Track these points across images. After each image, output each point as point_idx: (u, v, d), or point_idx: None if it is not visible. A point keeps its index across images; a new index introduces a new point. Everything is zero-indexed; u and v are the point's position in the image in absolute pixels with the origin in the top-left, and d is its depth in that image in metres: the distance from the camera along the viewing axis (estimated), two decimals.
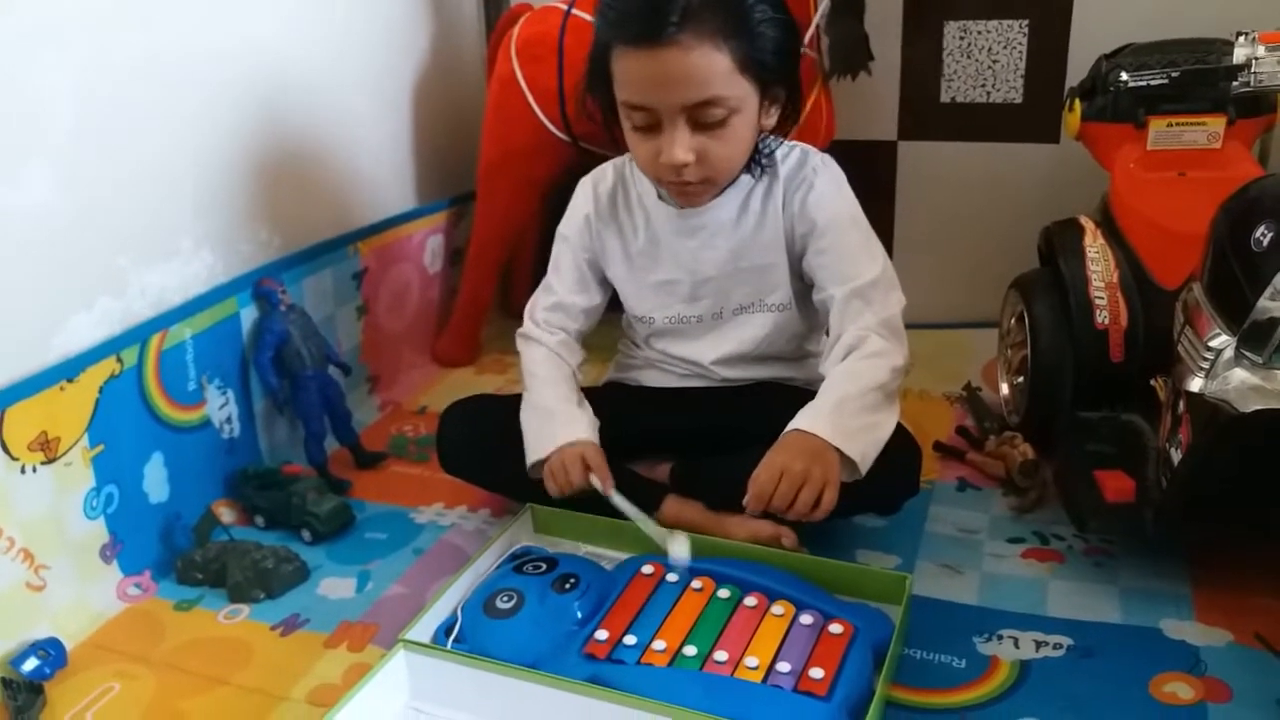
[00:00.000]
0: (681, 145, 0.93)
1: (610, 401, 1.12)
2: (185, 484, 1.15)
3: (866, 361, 0.96)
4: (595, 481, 1.00)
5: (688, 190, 1.00)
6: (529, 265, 1.79)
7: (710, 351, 1.11)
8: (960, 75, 1.55)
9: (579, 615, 0.90)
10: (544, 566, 0.96)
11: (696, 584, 0.93)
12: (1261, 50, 1.09)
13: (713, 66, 0.90)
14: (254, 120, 1.29)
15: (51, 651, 0.93)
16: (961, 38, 1.53)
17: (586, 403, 1.09)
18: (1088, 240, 1.16)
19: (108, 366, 1.05)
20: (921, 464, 1.04)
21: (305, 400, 1.28)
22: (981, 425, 1.29)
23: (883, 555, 1.05)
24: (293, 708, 0.88)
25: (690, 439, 1.10)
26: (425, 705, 0.86)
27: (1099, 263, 1.13)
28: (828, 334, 1.04)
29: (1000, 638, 0.91)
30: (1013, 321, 1.30)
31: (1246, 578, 0.96)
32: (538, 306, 1.15)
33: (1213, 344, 0.84)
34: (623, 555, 1.02)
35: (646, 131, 0.95)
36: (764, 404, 1.09)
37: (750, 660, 0.83)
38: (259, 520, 1.18)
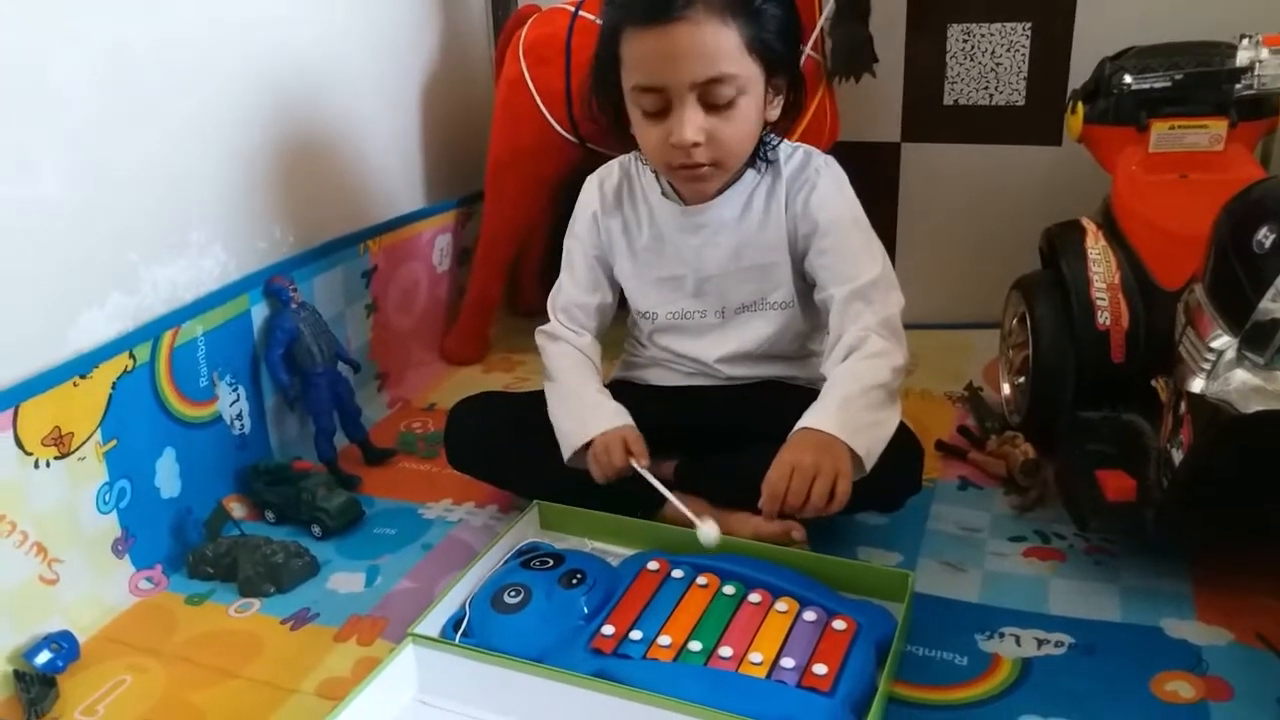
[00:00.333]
0: (692, 124, 0.94)
1: (615, 399, 1.12)
2: (197, 479, 1.16)
3: (868, 362, 0.97)
4: (636, 465, 1.01)
5: (698, 174, 1.00)
6: (536, 264, 1.81)
7: (714, 349, 1.12)
8: (963, 77, 1.56)
9: (585, 610, 0.91)
10: (551, 562, 0.97)
11: (701, 580, 0.94)
12: (1265, 53, 1.10)
13: (722, 42, 0.92)
14: (266, 119, 1.30)
15: (64, 644, 0.94)
16: (964, 40, 1.54)
17: (605, 391, 1.10)
18: (1089, 242, 1.17)
19: (120, 363, 1.06)
20: (923, 462, 1.05)
21: (315, 397, 1.29)
22: (983, 425, 1.30)
23: (885, 553, 1.06)
24: (303, 700, 0.89)
25: (695, 437, 1.10)
26: (433, 698, 0.87)
27: (1101, 264, 1.14)
28: (828, 333, 1.05)
29: (1002, 635, 0.92)
30: (1014, 322, 1.31)
31: (1247, 577, 0.96)
32: (556, 305, 1.16)
33: (1214, 345, 0.84)
34: (629, 551, 1.03)
35: (656, 116, 0.96)
36: (768, 403, 1.10)
37: (754, 656, 0.84)
38: (269, 515, 1.19)
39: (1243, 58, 1.11)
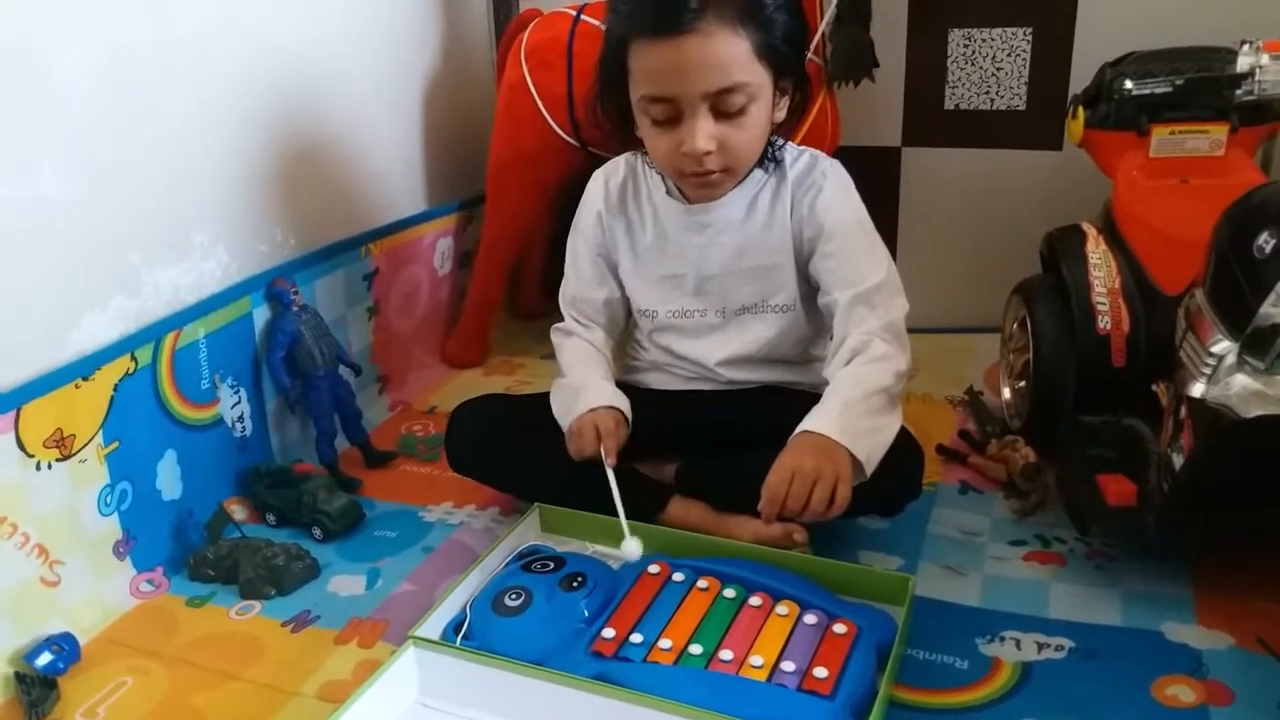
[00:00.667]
0: (703, 134, 0.94)
1: None
2: (198, 481, 1.17)
3: (870, 366, 0.97)
4: (603, 450, 1.02)
5: (709, 180, 1.00)
6: (537, 267, 1.81)
7: (715, 352, 1.12)
8: (964, 82, 1.56)
9: (586, 613, 0.91)
10: (552, 565, 0.97)
11: (702, 583, 0.94)
12: (1265, 59, 1.10)
13: (733, 52, 0.92)
14: (268, 122, 1.30)
15: (65, 646, 0.94)
16: (965, 45, 1.54)
17: (610, 378, 1.11)
18: (1090, 246, 1.17)
19: (122, 365, 1.06)
20: (923, 466, 1.05)
21: (316, 400, 1.29)
22: (983, 429, 1.30)
23: (886, 556, 1.06)
24: (303, 703, 0.89)
25: (696, 440, 1.11)
26: (434, 701, 0.87)
27: (1101, 269, 1.14)
28: (831, 338, 1.05)
29: (1002, 639, 0.92)
30: (1015, 326, 1.31)
31: (1248, 581, 0.96)
32: (565, 298, 1.17)
33: (1215, 350, 0.84)
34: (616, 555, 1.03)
35: (666, 125, 0.96)
36: (769, 406, 1.10)
37: (755, 659, 0.84)
38: (270, 518, 1.19)
39: (1243, 63, 1.11)
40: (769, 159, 1.05)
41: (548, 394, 1.14)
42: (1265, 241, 0.81)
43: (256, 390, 1.28)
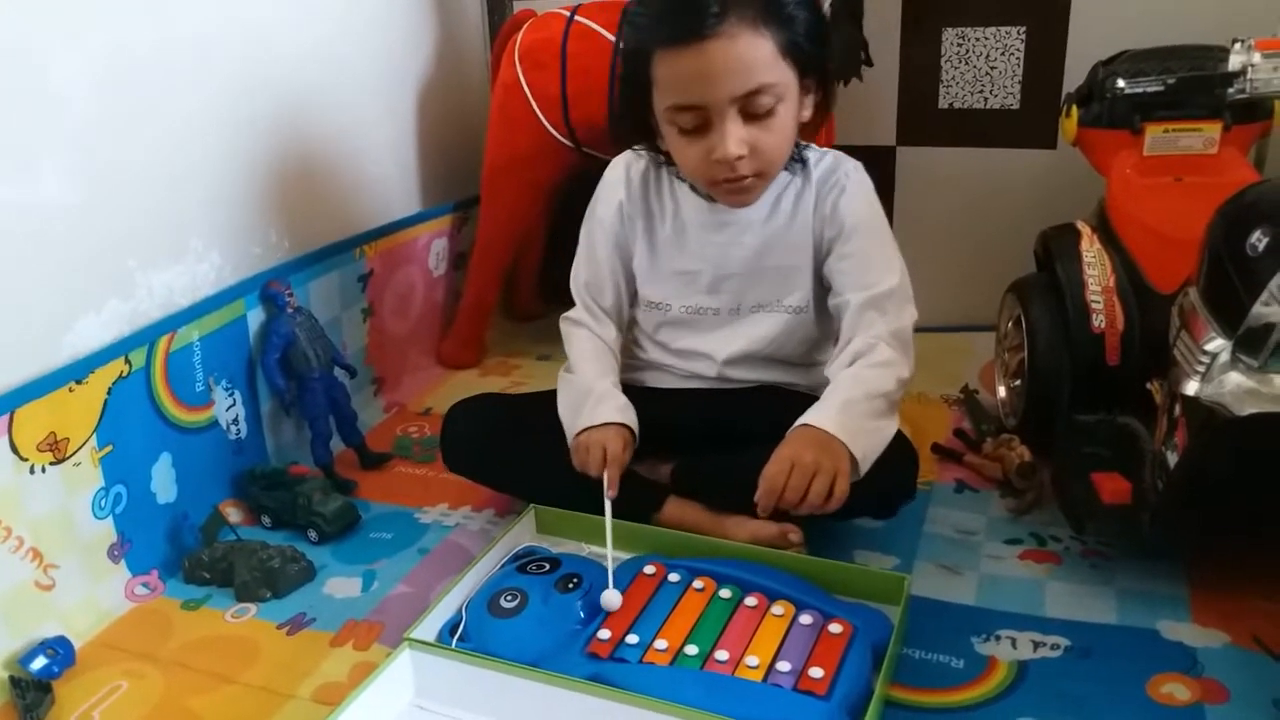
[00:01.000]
0: (734, 139, 0.93)
1: None
2: (193, 484, 1.16)
3: (873, 370, 0.97)
4: (605, 478, 1.01)
5: (741, 186, 0.99)
6: (533, 268, 1.81)
7: (723, 348, 1.11)
8: (958, 81, 1.56)
9: (582, 614, 0.91)
10: (547, 566, 0.97)
11: (698, 584, 0.94)
12: (1257, 57, 1.10)
13: (758, 53, 0.91)
14: (262, 125, 1.30)
15: (60, 650, 0.94)
16: (959, 44, 1.54)
17: (619, 383, 1.10)
18: (1084, 245, 1.17)
19: (116, 368, 1.06)
20: (918, 469, 1.05)
21: (311, 401, 1.29)
22: (979, 427, 1.30)
23: (881, 556, 1.06)
24: (299, 705, 0.89)
25: (691, 440, 1.10)
26: (430, 703, 0.87)
27: (1095, 267, 1.14)
28: (836, 341, 1.04)
29: (998, 638, 0.92)
30: (1010, 325, 1.31)
31: (1243, 580, 0.97)
32: (578, 284, 1.16)
33: (1208, 348, 0.84)
34: (625, 555, 1.03)
35: (694, 134, 0.95)
36: (766, 407, 1.10)
37: (751, 659, 0.84)
38: (265, 520, 1.19)
39: (1235, 62, 1.11)
40: (794, 160, 1.04)
41: (543, 394, 1.14)
42: (1258, 239, 0.81)
43: (251, 392, 1.27)
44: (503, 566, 1.00)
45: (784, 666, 0.83)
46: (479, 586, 0.96)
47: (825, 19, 0.99)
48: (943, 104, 1.58)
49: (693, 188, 1.08)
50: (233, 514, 1.20)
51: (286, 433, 1.34)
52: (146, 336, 1.11)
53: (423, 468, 1.32)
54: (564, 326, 1.16)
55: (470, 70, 1.78)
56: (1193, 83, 1.16)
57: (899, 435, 0.99)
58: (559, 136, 1.50)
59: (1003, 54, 1.52)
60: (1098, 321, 1.11)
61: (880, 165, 1.63)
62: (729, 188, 0.99)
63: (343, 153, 1.47)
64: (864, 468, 0.93)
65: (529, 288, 1.83)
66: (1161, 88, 1.18)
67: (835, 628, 0.87)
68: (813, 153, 1.07)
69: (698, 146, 0.96)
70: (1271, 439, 0.81)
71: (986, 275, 1.41)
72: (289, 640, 0.98)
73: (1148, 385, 1.02)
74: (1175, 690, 0.84)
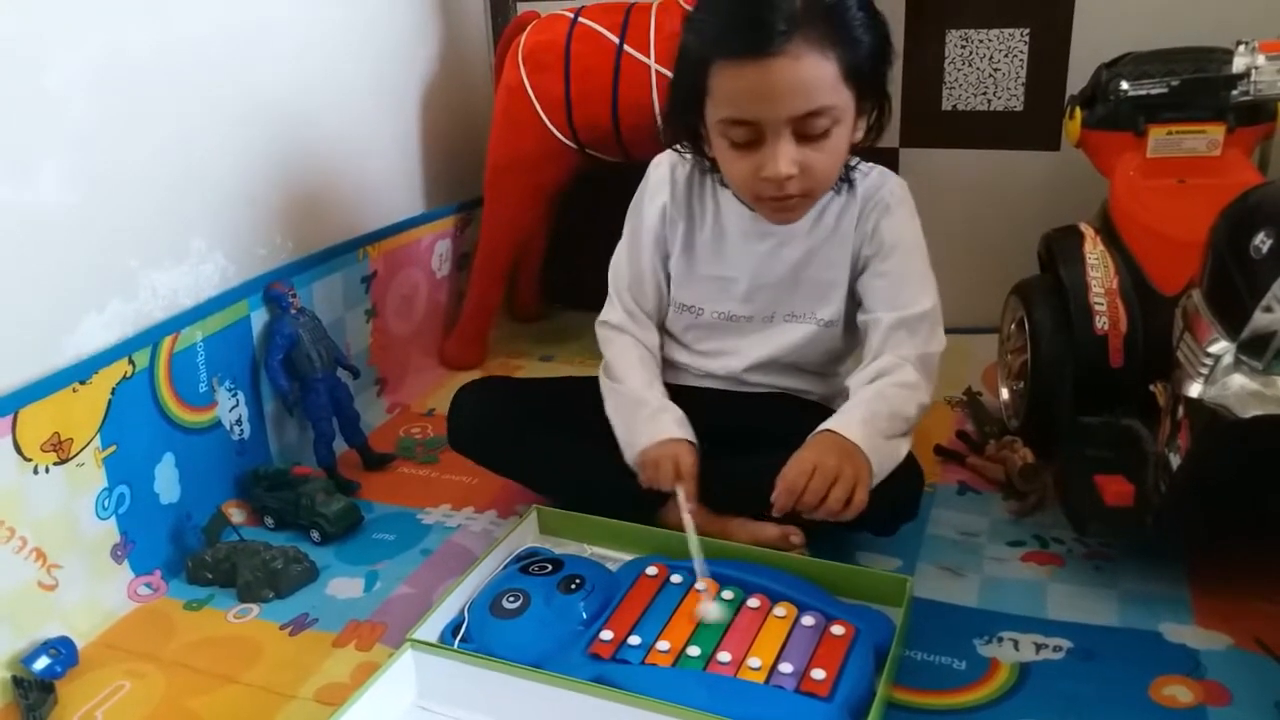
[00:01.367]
0: (785, 158, 0.92)
1: None
2: (196, 485, 1.17)
3: (899, 390, 0.97)
4: (679, 492, 0.98)
5: (787, 205, 0.97)
6: (535, 270, 1.81)
7: (748, 353, 1.10)
8: (961, 83, 1.56)
9: (584, 615, 0.91)
10: (550, 567, 0.97)
11: (700, 585, 0.94)
12: (1261, 59, 1.10)
13: (821, 75, 0.89)
14: (266, 126, 1.30)
15: (62, 650, 0.94)
16: (963, 46, 1.54)
17: (665, 392, 1.08)
18: (1088, 247, 1.17)
19: (120, 368, 1.06)
20: (923, 489, 1.05)
21: (314, 402, 1.29)
22: (981, 429, 1.30)
23: (884, 558, 1.06)
24: (301, 706, 0.89)
25: (699, 440, 1.10)
26: (432, 704, 0.87)
27: (1099, 269, 1.14)
28: (858, 355, 1.04)
29: (1000, 640, 0.92)
30: (1013, 327, 1.31)
31: (1246, 582, 0.96)
32: (620, 283, 1.13)
33: (1212, 350, 0.84)
34: (627, 556, 1.03)
35: (745, 148, 0.94)
36: (777, 412, 1.10)
37: (753, 661, 0.84)
38: (268, 521, 1.19)
39: (1239, 64, 1.11)
40: (843, 179, 1.03)
41: (552, 379, 1.13)
42: (1262, 241, 0.81)
43: (254, 393, 1.28)
44: (505, 567, 1.00)
45: (786, 668, 0.83)
46: (481, 587, 0.96)
47: (890, 42, 0.96)
48: (946, 106, 1.58)
49: (737, 195, 1.06)
50: (236, 514, 1.20)
51: (290, 433, 1.34)
52: (150, 337, 1.11)
53: (425, 469, 1.33)
54: (603, 331, 1.14)
55: (473, 72, 1.78)
56: (1196, 85, 1.16)
57: (909, 456, 0.99)
58: (562, 138, 1.50)
59: (1006, 56, 1.52)
60: (1101, 323, 1.11)
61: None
62: (774, 205, 0.98)
63: (346, 154, 1.47)
64: (873, 483, 0.92)
65: (532, 289, 1.83)
66: (1165, 90, 1.17)
67: (837, 629, 0.87)
68: (859, 168, 1.06)
69: (748, 161, 0.94)
70: (1275, 441, 0.81)
71: (989, 277, 1.40)
72: (291, 641, 0.98)
73: (1151, 387, 1.02)
74: (1178, 692, 0.84)
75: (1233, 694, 0.83)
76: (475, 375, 1.60)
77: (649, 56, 1.41)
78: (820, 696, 0.80)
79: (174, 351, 1.14)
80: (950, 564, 1.04)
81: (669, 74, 1.36)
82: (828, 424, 0.94)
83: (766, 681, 0.82)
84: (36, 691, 0.90)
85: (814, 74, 0.89)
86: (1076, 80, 1.41)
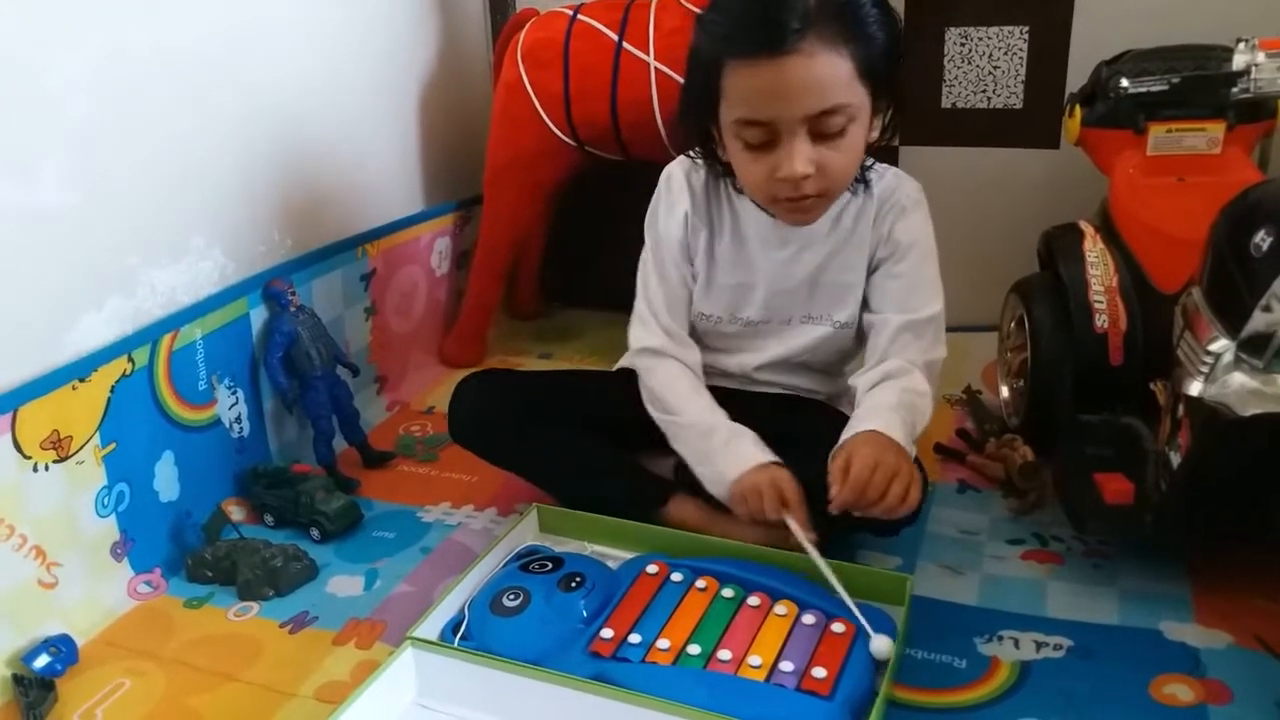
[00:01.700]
0: (801, 157, 0.91)
1: (620, 388, 1.11)
2: (195, 482, 1.16)
3: (917, 398, 0.97)
4: (792, 523, 0.93)
5: (803, 206, 0.97)
6: (535, 268, 1.81)
7: (760, 354, 1.10)
8: (961, 81, 1.56)
9: (584, 614, 0.91)
10: (550, 565, 0.97)
11: (700, 583, 0.94)
12: (1261, 56, 1.10)
13: (836, 73, 0.88)
14: (265, 124, 1.30)
15: (62, 648, 0.94)
16: (962, 44, 1.54)
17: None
18: (1087, 245, 1.17)
19: (119, 366, 1.06)
20: (926, 492, 1.04)
21: (314, 400, 1.29)
22: (981, 428, 1.30)
23: (884, 556, 1.06)
24: (301, 704, 0.89)
25: None
26: (432, 702, 0.87)
27: (1099, 267, 1.14)
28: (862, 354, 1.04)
29: (1000, 638, 0.92)
30: (1013, 325, 1.31)
31: (1246, 580, 0.97)
32: (655, 306, 1.09)
33: (1212, 348, 0.84)
34: (628, 554, 1.03)
35: (760, 149, 0.93)
36: (780, 410, 1.10)
37: (753, 659, 0.84)
38: (268, 519, 1.19)
39: (1239, 61, 1.11)
40: (859, 180, 1.03)
41: (552, 371, 1.12)
42: (1262, 239, 0.81)
43: (254, 391, 1.27)
44: (505, 565, 1.00)
45: (787, 666, 0.83)
46: (481, 585, 0.96)
47: (901, 37, 0.95)
48: (945, 104, 1.58)
49: (755, 201, 1.05)
50: (235, 512, 1.20)
51: (289, 431, 1.34)
52: (149, 335, 1.11)
53: (425, 466, 1.32)
54: (644, 360, 1.08)
55: (472, 69, 1.78)
56: (1196, 82, 1.16)
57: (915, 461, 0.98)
58: (561, 136, 1.50)
59: (1006, 53, 1.52)
60: (1101, 321, 1.11)
61: None
62: (790, 206, 0.97)
63: (345, 152, 1.47)
64: None
65: (531, 287, 1.83)
66: (1165, 87, 1.17)
67: (838, 627, 0.87)
68: (874, 170, 1.06)
69: (763, 163, 0.93)
70: (1275, 439, 0.81)
71: (989, 275, 1.40)
72: (291, 639, 0.98)
73: (1151, 385, 1.02)
74: (1178, 691, 0.84)
75: (1233, 692, 0.83)
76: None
77: (648, 54, 1.41)
78: (821, 695, 0.80)
79: (173, 349, 1.14)
80: (950, 562, 1.04)
81: (668, 71, 1.37)
82: (870, 424, 0.93)
83: (767, 680, 0.82)
84: (37, 689, 0.89)
85: (828, 72, 0.88)
86: (1076, 78, 1.41)
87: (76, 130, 1.04)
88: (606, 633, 0.88)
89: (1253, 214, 0.86)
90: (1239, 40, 1.12)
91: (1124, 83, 1.19)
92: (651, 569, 0.97)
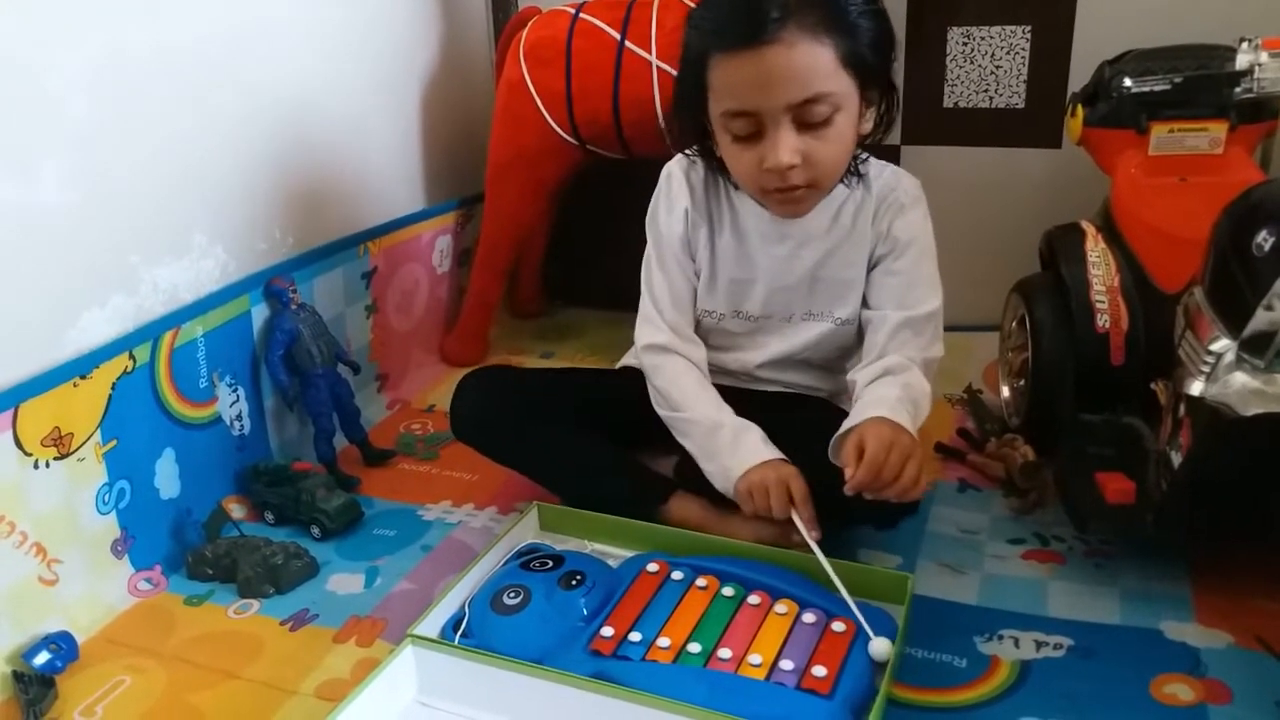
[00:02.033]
0: (787, 147, 0.92)
1: (622, 386, 1.12)
2: (196, 480, 1.16)
3: (922, 397, 0.97)
4: (799, 520, 0.94)
5: (793, 197, 0.97)
6: (536, 266, 1.81)
7: (762, 351, 1.10)
8: (963, 80, 1.56)
9: (585, 612, 0.91)
10: (551, 563, 0.97)
11: (701, 582, 0.94)
12: (1264, 56, 1.10)
13: (816, 61, 0.89)
14: (266, 122, 1.30)
15: (63, 645, 0.94)
16: (964, 43, 1.54)
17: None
18: (1089, 244, 1.17)
19: (120, 363, 1.06)
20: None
21: (315, 398, 1.29)
22: (982, 427, 1.30)
23: (885, 555, 1.06)
24: (302, 702, 0.89)
25: None
26: (432, 700, 0.87)
27: (1100, 267, 1.14)
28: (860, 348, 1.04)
29: (1001, 638, 0.92)
30: (1014, 324, 1.31)
31: (1247, 580, 0.96)
32: (661, 303, 1.09)
33: (1213, 348, 0.84)
34: (628, 553, 1.03)
35: (748, 141, 0.94)
36: (782, 408, 1.10)
37: (754, 658, 0.84)
38: (269, 516, 1.19)
39: (1242, 61, 1.11)
40: (852, 173, 1.03)
41: (554, 369, 1.12)
42: (1264, 239, 0.81)
43: (255, 388, 1.28)
44: (506, 563, 1.00)
45: (787, 665, 0.83)
46: (482, 583, 0.96)
47: (892, 31, 0.96)
48: (948, 103, 1.58)
49: (753, 197, 1.05)
50: (236, 510, 1.20)
51: (290, 429, 1.34)
52: (150, 332, 1.11)
53: (426, 464, 1.32)
54: (650, 358, 1.08)
55: (474, 67, 1.78)
56: (1199, 82, 1.16)
57: None
58: (563, 134, 1.49)
59: (1008, 53, 1.52)
60: (1102, 321, 1.11)
61: None
62: (780, 197, 0.98)
63: (347, 150, 1.47)
64: None
65: (532, 285, 1.83)
66: (1168, 87, 1.17)
67: (838, 626, 0.87)
68: (872, 165, 1.06)
69: (751, 154, 0.94)
70: (1276, 439, 0.81)
71: (991, 275, 1.40)
72: (292, 636, 0.98)
73: (1152, 385, 1.02)
74: (1178, 690, 0.84)
75: (1233, 692, 0.83)
76: None
77: (650, 52, 1.41)
78: (821, 694, 0.80)
79: (174, 347, 1.14)
80: (951, 561, 1.04)
81: (670, 70, 1.37)
82: (878, 411, 0.92)
83: (767, 678, 0.82)
84: (37, 686, 0.90)
85: (809, 60, 0.89)
86: (1078, 78, 1.41)
87: (77, 130, 1.04)
88: (607, 631, 0.88)
89: (1255, 214, 0.86)
90: (1242, 40, 1.12)
91: (1126, 82, 1.19)
92: (652, 567, 0.97)
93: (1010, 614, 0.95)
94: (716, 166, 1.05)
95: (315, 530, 1.15)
